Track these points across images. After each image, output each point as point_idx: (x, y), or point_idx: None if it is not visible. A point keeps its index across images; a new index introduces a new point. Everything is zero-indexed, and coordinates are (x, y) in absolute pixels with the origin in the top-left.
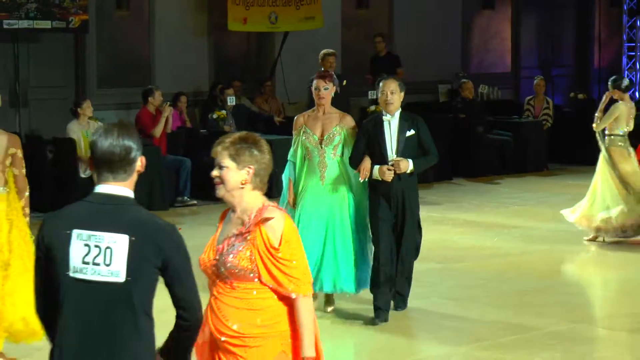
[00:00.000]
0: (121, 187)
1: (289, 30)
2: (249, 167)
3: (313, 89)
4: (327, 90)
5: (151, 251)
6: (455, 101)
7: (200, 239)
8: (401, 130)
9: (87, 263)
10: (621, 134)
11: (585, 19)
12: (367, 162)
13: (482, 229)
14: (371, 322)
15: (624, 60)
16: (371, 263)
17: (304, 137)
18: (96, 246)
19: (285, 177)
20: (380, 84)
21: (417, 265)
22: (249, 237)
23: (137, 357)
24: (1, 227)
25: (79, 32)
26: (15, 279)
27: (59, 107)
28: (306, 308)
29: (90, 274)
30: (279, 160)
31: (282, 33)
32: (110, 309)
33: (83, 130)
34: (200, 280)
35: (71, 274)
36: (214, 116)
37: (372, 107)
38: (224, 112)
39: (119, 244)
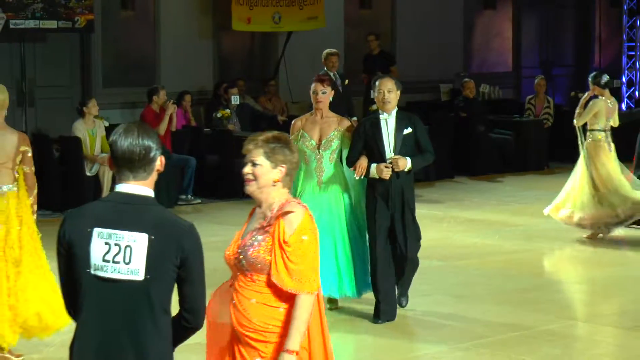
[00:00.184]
0: (141, 187)
1: (292, 30)
2: (282, 166)
3: (311, 92)
4: (325, 95)
5: (171, 250)
6: (457, 100)
7: (204, 237)
8: (398, 128)
9: (108, 261)
10: (601, 129)
11: (586, 19)
12: (363, 160)
13: (484, 226)
14: (373, 320)
15: (624, 59)
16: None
17: (301, 142)
18: (116, 244)
19: None
20: (377, 83)
21: (420, 263)
22: (269, 230)
23: (156, 354)
24: (11, 224)
25: (85, 32)
26: (27, 275)
27: (65, 106)
28: (304, 305)
29: (111, 272)
30: None
31: (285, 33)
32: (130, 306)
33: (89, 129)
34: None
35: (92, 272)
36: (218, 115)
37: (374, 106)
38: (228, 111)
39: (138, 242)
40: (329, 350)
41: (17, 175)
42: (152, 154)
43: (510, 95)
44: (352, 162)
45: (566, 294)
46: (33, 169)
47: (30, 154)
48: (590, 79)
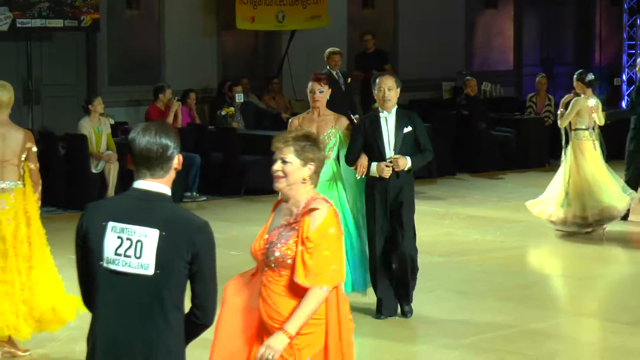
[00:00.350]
0: (158, 184)
1: (295, 29)
2: (311, 164)
3: (308, 91)
4: (322, 93)
5: (182, 246)
6: (459, 98)
7: None
8: (398, 127)
9: (120, 255)
10: (584, 128)
11: (586, 18)
12: (364, 159)
13: (485, 223)
14: (376, 316)
15: (624, 58)
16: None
17: None
18: (128, 239)
19: None
20: (377, 81)
21: (422, 259)
22: (296, 227)
23: (165, 349)
24: (20, 220)
25: (91, 30)
26: (38, 270)
27: (70, 104)
28: (315, 297)
29: (122, 266)
30: None
31: (289, 32)
32: (140, 300)
33: (94, 127)
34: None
35: (105, 265)
36: (223, 113)
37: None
38: (232, 109)
39: (149, 238)
40: (346, 355)
41: (22, 172)
42: (169, 153)
43: (512, 93)
44: (352, 160)
45: (568, 290)
46: (38, 165)
47: (35, 151)
48: (575, 76)
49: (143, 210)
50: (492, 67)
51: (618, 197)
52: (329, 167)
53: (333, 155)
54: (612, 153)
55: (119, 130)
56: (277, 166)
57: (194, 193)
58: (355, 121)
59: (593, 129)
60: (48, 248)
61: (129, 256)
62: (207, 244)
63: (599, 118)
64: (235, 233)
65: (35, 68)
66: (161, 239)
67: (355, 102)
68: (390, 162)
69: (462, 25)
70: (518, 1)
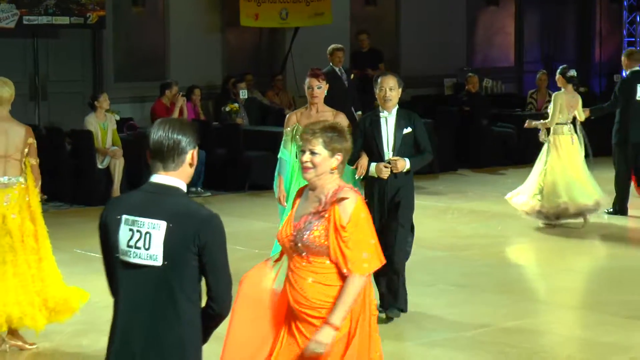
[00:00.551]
0: (170, 177)
1: (299, 26)
2: (339, 155)
3: (306, 87)
4: (320, 89)
5: (189, 238)
6: (461, 95)
7: None
8: (398, 127)
9: (131, 247)
10: (563, 122)
11: (587, 15)
12: (364, 159)
13: (486, 218)
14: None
15: None
16: None
17: (296, 136)
18: (138, 231)
19: (276, 174)
20: (379, 80)
21: (424, 253)
22: (325, 215)
23: (175, 339)
24: (24, 215)
25: (96, 28)
26: (47, 261)
27: (77, 100)
28: (354, 285)
29: (133, 258)
30: None
31: (292, 29)
32: (151, 291)
33: (100, 123)
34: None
35: (120, 257)
36: (227, 109)
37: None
38: (236, 105)
39: (157, 229)
40: (373, 337)
41: (24, 167)
42: (181, 147)
43: (513, 90)
44: (352, 160)
45: (568, 283)
46: (38, 160)
47: (35, 146)
48: (558, 70)
49: (153, 203)
50: (493, 63)
51: (589, 193)
52: None
53: None
54: (601, 148)
55: (125, 126)
56: (306, 157)
57: (199, 188)
58: (357, 118)
59: (573, 123)
60: (49, 241)
61: (139, 248)
62: (215, 236)
63: (579, 113)
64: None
65: (41, 65)
66: (168, 231)
67: (358, 98)
68: (389, 163)
69: (463, 23)
70: None
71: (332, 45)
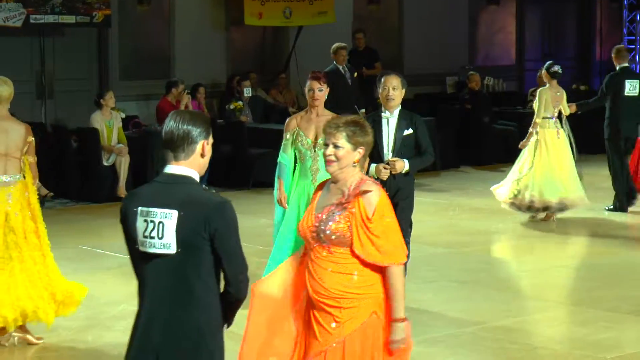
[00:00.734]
0: (182, 167)
1: (302, 25)
2: (361, 148)
3: (307, 90)
4: (321, 92)
5: (200, 225)
6: (463, 92)
7: None
8: (399, 128)
9: (147, 237)
10: (549, 116)
11: (587, 14)
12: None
13: (488, 214)
14: None
15: None
16: None
17: (297, 141)
18: (151, 221)
19: (276, 178)
20: (382, 79)
21: (425, 250)
22: (348, 207)
23: (197, 325)
24: (25, 212)
25: (102, 26)
26: (49, 257)
27: (82, 98)
28: (397, 275)
29: (148, 247)
30: None
31: (296, 27)
32: (169, 279)
33: (106, 121)
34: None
35: (139, 247)
36: (231, 107)
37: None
38: (240, 103)
39: (169, 219)
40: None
41: (23, 165)
42: (191, 137)
43: (514, 88)
44: None
45: (569, 280)
46: (36, 158)
47: (34, 144)
48: (544, 66)
49: (165, 193)
50: (494, 62)
51: (572, 188)
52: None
53: None
54: (581, 144)
55: (130, 123)
56: (330, 151)
57: (203, 185)
58: (360, 116)
59: (559, 118)
60: (47, 238)
61: (153, 237)
62: (226, 221)
63: (564, 108)
64: None
65: (48, 63)
66: (180, 219)
67: (361, 96)
68: (388, 164)
69: (465, 22)
70: None
71: (336, 44)
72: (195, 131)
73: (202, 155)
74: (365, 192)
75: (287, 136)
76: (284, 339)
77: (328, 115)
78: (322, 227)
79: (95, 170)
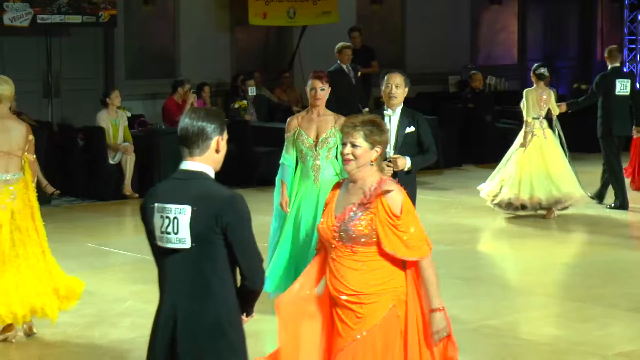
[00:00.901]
0: (196, 163)
1: (306, 25)
2: (378, 147)
3: (308, 89)
4: (323, 91)
5: (212, 219)
6: (465, 91)
7: None
8: (401, 126)
9: (163, 232)
10: (536, 117)
11: (589, 13)
12: None
13: (490, 212)
14: None
15: (625, 52)
16: None
17: (298, 140)
18: (167, 217)
19: (277, 180)
20: (385, 77)
21: None
22: (370, 207)
23: (214, 318)
24: (26, 210)
25: (108, 26)
26: (49, 253)
27: (89, 98)
28: (429, 267)
29: (166, 243)
30: None
31: (300, 27)
32: (185, 273)
33: (112, 119)
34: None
35: (158, 243)
36: (236, 106)
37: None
38: (245, 102)
39: (183, 214)
40: (426, 316)
41: (23, 163)
42: (205, 133)
43: (516, 87)
44: None
45: (570, 277)
46: (35, 156)
47: (33, 142)
48: (532, 68)
49: (180, 189)
50: (496, 61)
51: (567, 183)
52: (328, 168)
53: (332, 155)
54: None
55: (136, 122)
56: (347, 150)
57: None
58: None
59: (545, 118)
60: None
61: (169, 233)
62: (237, 214)
63: (554, 108)
64: None
65: (54, 62)
66: (193, 214)
67: (365, 95)
68: (390, 161)
69: (467, 21)
70: None
71: (341, 43)
72: (210, 127)
73: (217, 151)
74: (388, 191)
75: (289, 136)
76: (314, 348)
77: (329, 114)
78: (344, 227)
79: (101, 169)
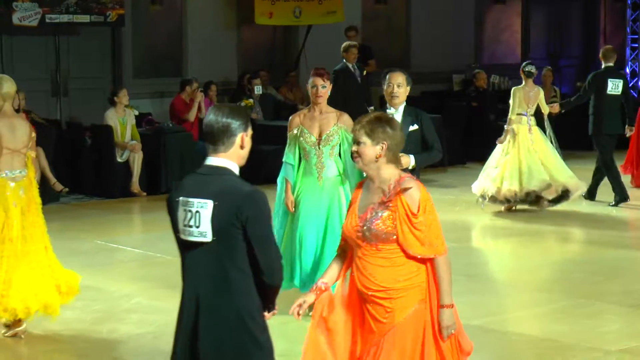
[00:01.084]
0: (221, 159)
1: (312, 24)
2: (383, 143)
3: (310, 86)
4: (324, 89)
5: (232, 214)
6: (469, 90)
7: None
8: (404, 124)
9: (186, 226)
10: (524, 114)
11: (591, 13)
12: None
13: (493, 210)
14: None
15: (627, 51)
16: None
17: (300, 138)
18: (189, 211)
19: (280, 178)
20: (387, 76)
21: None
22: (390, 205)
23: (234, 311)
24: (31, 207)
25: (116, 25)
26: (50, 249)
27: (97, 96)
28: (443, 264)
29: (188, 236)
30: None
31: (305, 26)
32: (206, 266)
33: (119, 118)
34: None
35: (181, 236)
36: (242, 104)
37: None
38: (251, 100)
39: (205, 208)
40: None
41: (26, 159)
42: (230, 130)
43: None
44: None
45: (574, 274)
46: (36, 153)
47: (35, 139)
48: (521, 66)
49: (203, 184)
50: (500, 60)
51: (560, 173)
52: (331, 166)
53: (335, 152)
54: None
55: (143, 121)
56: (353, 147)
57: None
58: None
59: (534, 116)
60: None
61: (191, 226)
62: (257, 209)
63: (543, 107)
64: None
65: (63, 61)
66: (215, 209)
67: (371, 94)
68: None
69: (471, 20)
70: None
71: (347, 42)
72: (234, 124)
73: (242, 147)
74: (406, 189)
75: (291, 134)
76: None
77: (331, 112)
78: (367, 227)
79: (109, 167)
